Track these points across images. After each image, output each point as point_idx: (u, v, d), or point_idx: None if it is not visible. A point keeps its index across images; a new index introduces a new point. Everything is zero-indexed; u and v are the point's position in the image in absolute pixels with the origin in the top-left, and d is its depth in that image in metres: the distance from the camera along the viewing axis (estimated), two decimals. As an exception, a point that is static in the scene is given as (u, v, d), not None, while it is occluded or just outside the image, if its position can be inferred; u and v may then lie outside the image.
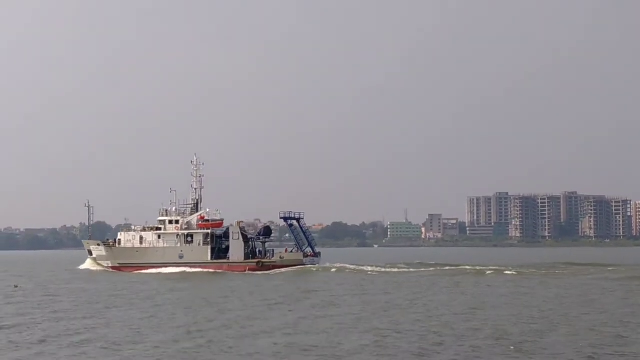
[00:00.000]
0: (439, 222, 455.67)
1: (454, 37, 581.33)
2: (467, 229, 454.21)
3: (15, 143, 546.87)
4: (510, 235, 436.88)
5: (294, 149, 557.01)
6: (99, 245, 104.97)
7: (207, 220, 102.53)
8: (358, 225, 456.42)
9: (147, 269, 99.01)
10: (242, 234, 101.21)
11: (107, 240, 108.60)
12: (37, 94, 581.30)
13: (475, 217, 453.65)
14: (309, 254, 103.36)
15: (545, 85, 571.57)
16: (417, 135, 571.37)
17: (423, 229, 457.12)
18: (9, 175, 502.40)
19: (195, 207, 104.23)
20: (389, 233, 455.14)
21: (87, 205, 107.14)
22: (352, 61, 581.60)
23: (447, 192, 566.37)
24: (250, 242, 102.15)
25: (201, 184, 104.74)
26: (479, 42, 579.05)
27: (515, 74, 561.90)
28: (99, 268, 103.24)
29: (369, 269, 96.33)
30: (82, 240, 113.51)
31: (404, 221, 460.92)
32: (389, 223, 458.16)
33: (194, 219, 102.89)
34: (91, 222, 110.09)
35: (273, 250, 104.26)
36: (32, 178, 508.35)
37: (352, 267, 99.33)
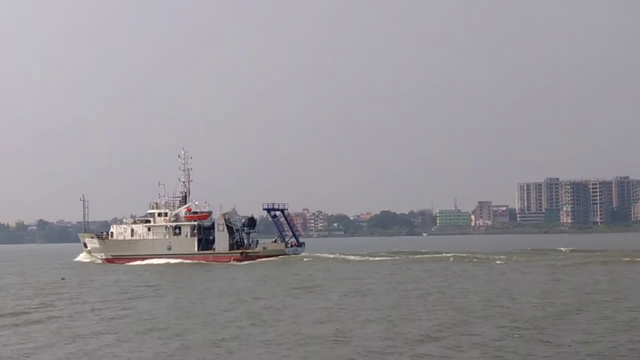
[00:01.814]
0: (489, 209, 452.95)
1: (506, 25, 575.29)
2: (518, 215, 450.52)
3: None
4: (561, 221, 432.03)
5: (343, 137, 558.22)
6: (92, 238, 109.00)
7: (195, 213, 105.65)
8: (406, 213, 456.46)
9: (138, 260, 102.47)
10: (227, 226, 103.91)
11: (101, 233, 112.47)
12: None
13: (525, 204, 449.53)
14: (293, 244, 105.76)
15: (597, 72, 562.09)
16: (467, 121, 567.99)
17: (472, 217, 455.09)
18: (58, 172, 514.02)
19: (184, 200, 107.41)
20: (437, 221, 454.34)
21: (82, 199, 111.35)
22: (406, 44, 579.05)
23: (496, 179, 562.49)
24: (236, 234, 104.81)
25: (189, 177, 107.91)
26: (532, 28, 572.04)
27: (567, 60, 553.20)
28: (93, 260, 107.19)
29: (352, 257, 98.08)
30: (78, 234, 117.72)
31: (453, 209, 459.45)
32: (437, 211, 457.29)
33: (182, 211, 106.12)
34: (86, 216, 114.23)
35: (257, 241, 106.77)
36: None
37: (332, 256, 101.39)
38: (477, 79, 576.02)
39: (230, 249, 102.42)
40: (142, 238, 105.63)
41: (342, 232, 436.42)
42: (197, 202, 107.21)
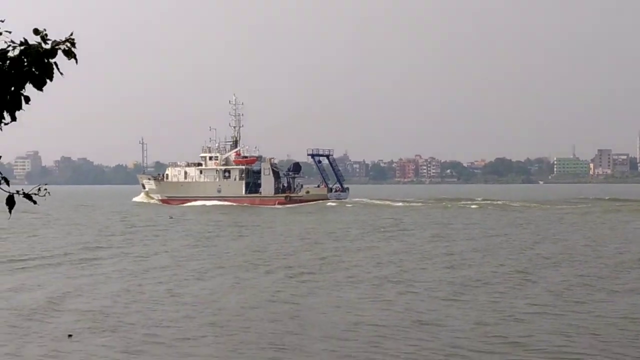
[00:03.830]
0: (609, 158, 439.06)
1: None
2: (638, 164, 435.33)
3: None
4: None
5: (458, 81, 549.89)
6: (149, 179, 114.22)
7: (245, 157, 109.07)
8: (522, 161, 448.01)
9: (190, 201, 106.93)
10: (273, 170, 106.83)
11: (158, 175, 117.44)
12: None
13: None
14: (337, 189, 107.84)
15: None
16: (585, 68, 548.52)
17: (591, 165, 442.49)
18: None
19: (235, 144, 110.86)
20: (555, 169, 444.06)
21: (141, 142, 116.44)
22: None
23: (617, 127, 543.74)
24: (282, 178, 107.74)
25: (240, 123, 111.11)
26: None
27: None
28: (151, 201, 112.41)
29: (394, 203, 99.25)
30: (137, 175, 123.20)
31: (571, 157, 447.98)
32: (555, 159, 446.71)
33: (231, 155, 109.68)
34: (145, 158, 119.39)
35: (301, 185, 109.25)
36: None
37: (377, 202, 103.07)
38: (603, 23, 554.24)
39: (275, 193, 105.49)
40: (194, 180, 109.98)
41: (455, 179, 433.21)
42: (247, 147, 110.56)
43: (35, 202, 6.40)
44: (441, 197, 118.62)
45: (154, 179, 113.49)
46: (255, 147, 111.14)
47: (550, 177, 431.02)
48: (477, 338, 19.25)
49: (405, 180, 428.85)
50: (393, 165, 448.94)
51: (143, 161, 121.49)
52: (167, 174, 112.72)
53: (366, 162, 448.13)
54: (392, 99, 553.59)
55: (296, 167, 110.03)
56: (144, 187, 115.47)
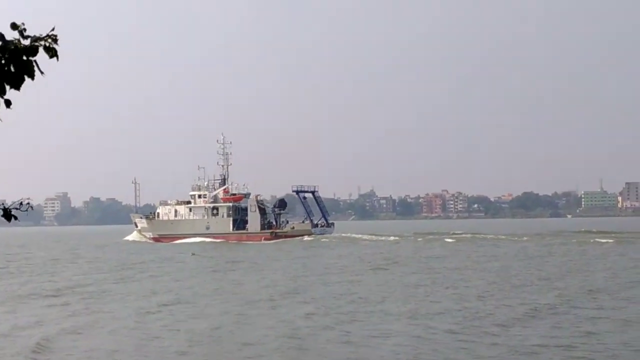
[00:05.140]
0: (637, 191, 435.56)
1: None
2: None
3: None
4: None
5: (486, 114, 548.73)
6: (141, 218, 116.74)
7: (232, 194, 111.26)
8: (550, 195, 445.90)
9: (180, 239, 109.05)
10: (259, 207, 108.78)
11: (150, 213, 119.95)
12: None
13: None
14: (323, 224, 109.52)
15: None
16: (613, 100, 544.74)
17: (619, 198, 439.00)
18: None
19: (223, 182, 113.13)
20: (582, 203, 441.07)
21: (134, 182, 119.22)
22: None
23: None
24: (267, 215, 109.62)
25: (228, 161, 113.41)
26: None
27: None
28: (142, 239, 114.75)
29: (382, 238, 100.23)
30: (130, 214, 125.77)
31: (599, 190, 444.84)
32: (582, 192, 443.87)
33: (220, 192, 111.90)
34: (138, 198, 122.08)
35: (287, 221, 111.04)
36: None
37: (360, 236, 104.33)
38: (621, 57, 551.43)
39: (261, 229, 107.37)
40: (183, 218, 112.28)
41: (483, 214, 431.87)
42: (236, 184, 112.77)
43: (11, 219, 6.04)
44: (426, 231, 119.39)
45: (146, 218, 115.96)
46: (244, 184, 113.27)
47: (578, 211, 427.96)
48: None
49: (433, 215, 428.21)
50: (420, 201, 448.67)
51: (136, 201, 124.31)
52: (158, 213, 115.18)
53: (393, 198, 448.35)
54: (417, 133, 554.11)
55: (282, 204, 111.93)
56: (136, 225, 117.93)
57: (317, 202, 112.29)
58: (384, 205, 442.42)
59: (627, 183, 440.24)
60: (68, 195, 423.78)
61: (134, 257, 75.39)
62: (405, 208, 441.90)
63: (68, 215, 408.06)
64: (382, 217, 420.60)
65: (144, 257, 74.27)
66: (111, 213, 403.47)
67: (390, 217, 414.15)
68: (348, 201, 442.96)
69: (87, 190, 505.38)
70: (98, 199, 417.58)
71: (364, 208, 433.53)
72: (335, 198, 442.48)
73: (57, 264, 66.29)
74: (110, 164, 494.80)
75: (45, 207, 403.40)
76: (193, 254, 76.72)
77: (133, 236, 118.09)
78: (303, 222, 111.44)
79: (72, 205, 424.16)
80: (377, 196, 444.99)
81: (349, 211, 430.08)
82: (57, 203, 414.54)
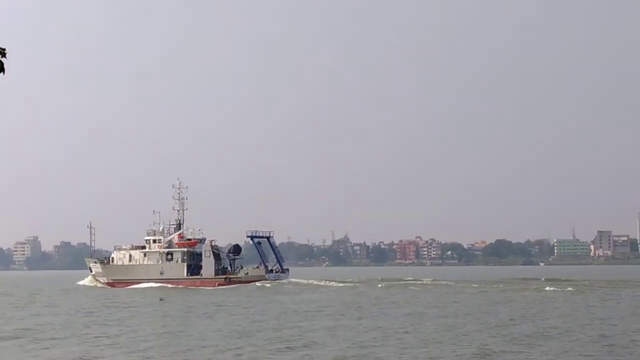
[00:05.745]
0: (609, 239, 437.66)
1: None
2: (639, 246, 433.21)
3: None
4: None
5: (456, 165, 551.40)
6: (96, 262, 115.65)
7: (187, 239, 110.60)
8: (523, 242, 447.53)
9: (135, 284, 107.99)
10: (214, 252, 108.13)
11: (105, 258, 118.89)
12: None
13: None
14: (277, 270, 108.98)
15: None
16: (585, 149, 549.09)
17: (592, 247, 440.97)
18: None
19: (178, 227, 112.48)
20: (555, 251, 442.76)
21: (89, 226, 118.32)
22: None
23: (616, 208, 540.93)
24: (222, 260, 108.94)
25: (183, 206, 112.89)
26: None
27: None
28: (97, 284, 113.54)
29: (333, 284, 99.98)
30: (85, 259, 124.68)
31: (572, 238, 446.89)
32: (555, 240, 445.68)
33: (174, 238, 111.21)
34: (93, 242, 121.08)
35: (241, 267, 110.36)
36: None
37: (310, 281, 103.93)
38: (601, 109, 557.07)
39: (215, 275, 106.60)
40: (138, 263, 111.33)
41: (456, 261, 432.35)
42: (192, 229, 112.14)
43: None
44: (392, 277, 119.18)
45: (100, 263, 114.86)
46: (199, 230, 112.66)
47: (550, 259, 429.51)
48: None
49: (406, 262, 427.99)
50: (394, 247, 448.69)
51: (91, 245, 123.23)
52: (112, 257, 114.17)
53: (367, 244, 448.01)
54: (391, 180, 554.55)
55: (236, 249, 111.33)
56: (91, 270, 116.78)
57: (272, 248, 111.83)
58: (358, 252, 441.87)
59: (599, 231, 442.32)
60: (38, 239, 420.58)
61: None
62: (379, 255, 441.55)
63: (38, 259, 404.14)
64: (355, 263, 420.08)
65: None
66: (82, 257, 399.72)
67: (363, 264, 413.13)
68: (322, 247, 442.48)
69: (58, 235, 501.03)
70: (69, 243, 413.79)
71: (338, 254, 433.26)
72: (310, 244, 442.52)
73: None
74: (78, 208, 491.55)
75: (15, 251, 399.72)
76: (161, 299, 75.99)
77: (86, 281, 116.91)
78: (257, 267, 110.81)
79: (43, 250, 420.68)
80: (351, 242, 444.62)
81: (323, 257, 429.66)
82: (27, 247, 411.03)
